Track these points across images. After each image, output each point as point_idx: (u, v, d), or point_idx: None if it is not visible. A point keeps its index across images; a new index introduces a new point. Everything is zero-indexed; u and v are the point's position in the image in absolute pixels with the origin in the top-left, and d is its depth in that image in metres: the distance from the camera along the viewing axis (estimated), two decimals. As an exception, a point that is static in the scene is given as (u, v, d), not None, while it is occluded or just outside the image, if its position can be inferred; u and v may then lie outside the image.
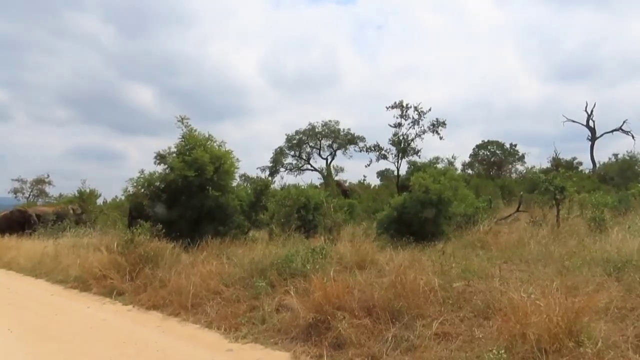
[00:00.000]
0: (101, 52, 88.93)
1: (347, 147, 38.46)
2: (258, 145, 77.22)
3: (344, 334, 4.77)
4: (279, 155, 38.84)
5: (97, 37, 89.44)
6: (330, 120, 38.50)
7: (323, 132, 38.51)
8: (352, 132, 38.35)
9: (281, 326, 5.43)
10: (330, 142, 39.06)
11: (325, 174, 36.76)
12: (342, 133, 38.32)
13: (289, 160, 39.62)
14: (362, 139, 37.71)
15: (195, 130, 12.40)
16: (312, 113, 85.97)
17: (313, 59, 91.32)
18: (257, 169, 38.40)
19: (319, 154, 39.54)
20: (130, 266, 8.57)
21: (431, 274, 5.97)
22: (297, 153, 39.31)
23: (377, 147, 27.02)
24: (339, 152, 39.18)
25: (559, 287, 5.01)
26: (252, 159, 76.91)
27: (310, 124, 38.51)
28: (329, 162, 39.30)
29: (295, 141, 38.70)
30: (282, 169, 39.10)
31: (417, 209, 11.49)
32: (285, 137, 39.15)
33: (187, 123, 12.33)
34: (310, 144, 39.15)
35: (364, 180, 37.40)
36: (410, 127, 24.82)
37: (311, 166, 39.83)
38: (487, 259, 7.74)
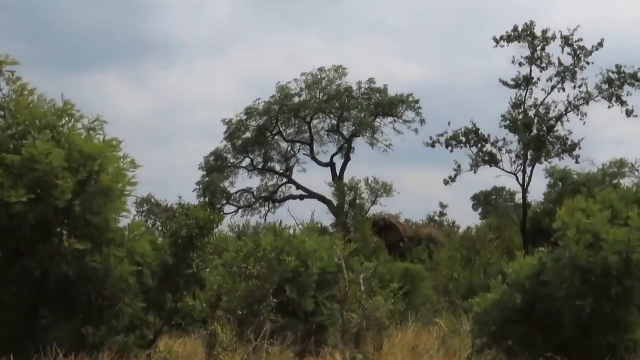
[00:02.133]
0: None
1: (378, 124, 20.85)
2: (184, 132, 44.75)
3: None
4: (211, 169, 21.37)
5: None
6: (323, 69, 20.67)
7: (315, 102, 20.93)
8: (387, 89, 20.42)
9: None
10: (335, 122, 21.35)
11: (337, 200, 19.93)
12: (358, 93, 21.08)
13: (243, 180, 21.60)
14: (414, 105, 20.20)
15: (33, 92, 7.35)
16: (309, 49, 45.30)
17: None
18: (165, 205, 18.95)
19: (311, 155, 21.44)
20: None
21: None
22: (260, 158, 21.58)
23: (472, 134, 15.14)
24: (359, 142, 21.26)
25: None
26: (169, 162, 44.71)
27: (281, 87, 20.77)
28: (340, 167, 21.59)
29: (250, 132, 20.97)
30: (224, 202, 21.43)
31: (573, 288, 7.17)
32: (225, 125, 20.89)
33: (13, 75, 7.20)
34: (288, 130, 21.44)
35: (441, 214, 21.03)
36: (555, 87, 14.36)
37: (297, 187, 21.63)
38: None
